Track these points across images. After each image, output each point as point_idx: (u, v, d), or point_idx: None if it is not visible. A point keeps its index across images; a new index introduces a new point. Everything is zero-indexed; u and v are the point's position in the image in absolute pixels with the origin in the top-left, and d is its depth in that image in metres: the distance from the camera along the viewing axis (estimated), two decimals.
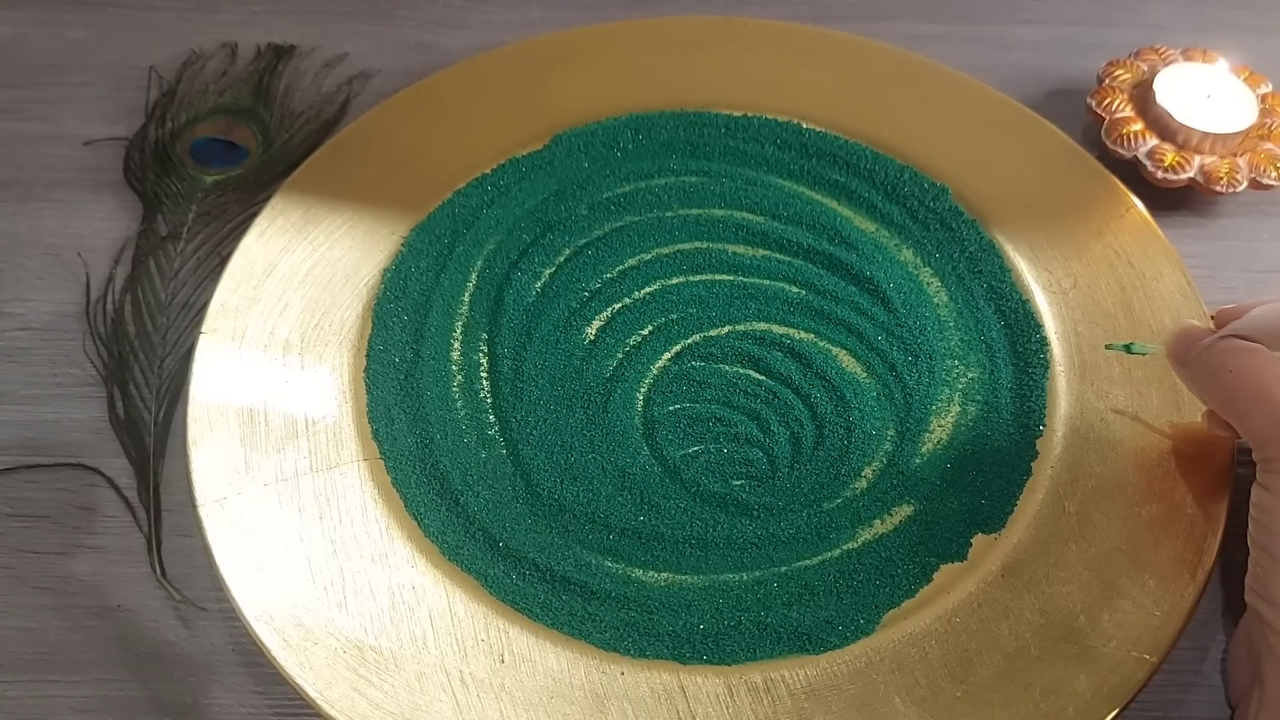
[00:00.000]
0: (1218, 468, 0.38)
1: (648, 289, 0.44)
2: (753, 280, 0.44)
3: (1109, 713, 0.33)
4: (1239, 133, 0.46)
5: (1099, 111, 0.48)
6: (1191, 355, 0.35)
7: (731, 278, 0.44)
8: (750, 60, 0.50)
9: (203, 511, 0.36)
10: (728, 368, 0.42)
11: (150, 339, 0.43)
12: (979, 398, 0.41)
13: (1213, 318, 0.37)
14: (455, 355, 0.42)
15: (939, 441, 0.40)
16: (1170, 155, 0.46)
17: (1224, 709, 0.35)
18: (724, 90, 0.49)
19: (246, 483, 0.37)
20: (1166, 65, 0.49)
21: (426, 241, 0.44)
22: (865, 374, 0.41)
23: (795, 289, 0.44)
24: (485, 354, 0.42)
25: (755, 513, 0.38)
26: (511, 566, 0.37)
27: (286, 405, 0.39)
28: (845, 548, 0.37)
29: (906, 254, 0.45)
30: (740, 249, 0.45)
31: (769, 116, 0.48)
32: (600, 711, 0.34)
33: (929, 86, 0.49)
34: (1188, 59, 0.50)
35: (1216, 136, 0.46)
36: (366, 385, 0.40)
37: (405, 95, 0.48)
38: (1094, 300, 0.42)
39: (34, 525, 0.38)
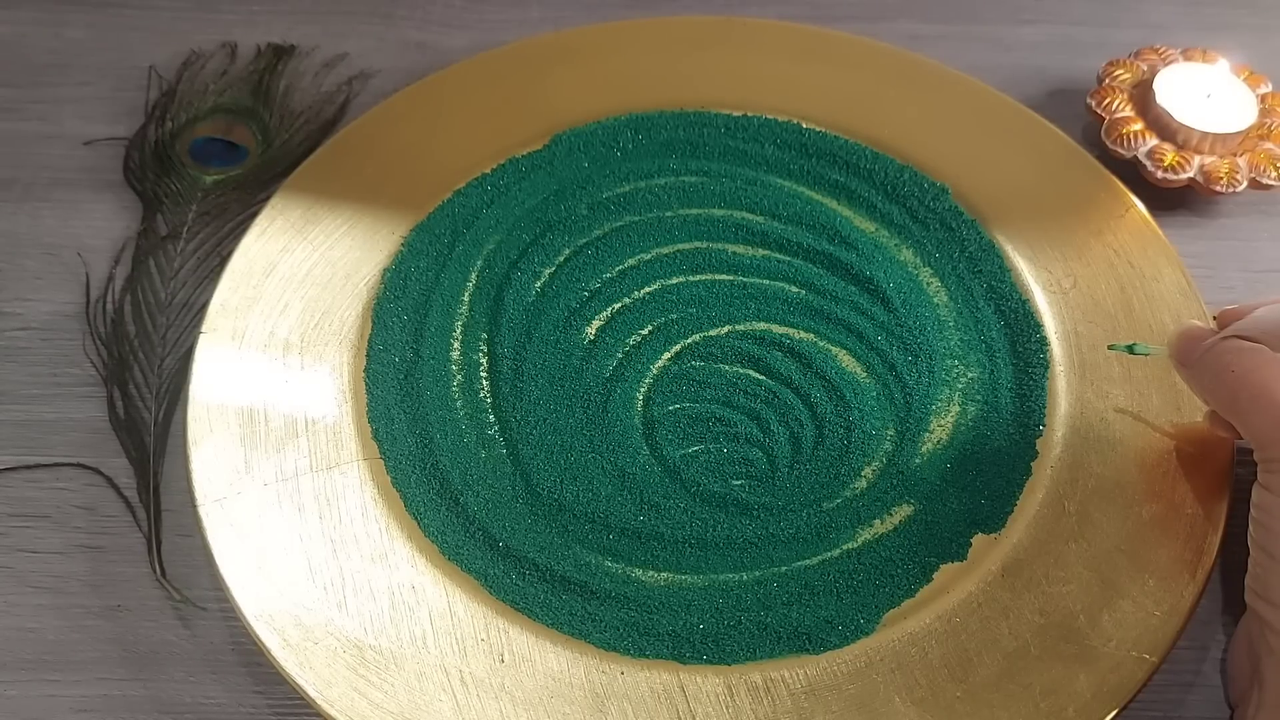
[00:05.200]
0: (1218, 468, 0.38)
1: (647, 289, 0.44)
2: (753, 280, 0.44)
3: (1109, 712, 0.33)
4: (1239, 133, 0.46)
5: (1099, 111, 0.48)
6: (1194, 356, 0.35)
7: (731, 278, 0.44)
8: (750, 60, 0.50)
9: (202, 511, 0.36)
10: (727, 367, 0.42)
11: (150, 339, 0.43)
12: (979, 398, 0.41)
13: (1215, 318, 0.37)
14: (455, 355, 0.42)
15: (939, 441, 0.40)
16: (1170, 155, 0.46)
17: (1224, 709, 0.35)
18: (724, 90, 0.49)
19: (246, 482, 0.37)
20: (1166, 65, 0.49)
21: (426, 241, 0.44)
22: (865, 374, 0.41)
23: (795, 289, 0.44)
24: (485, 354, 0.42)
25: (755, 512, 0.38)
26: (511, 566, 0.37)
27: (286, 405, 0.39)
28: (845, 547, 0.37)
29: (906, 254, 0.45)
30: (740, 249, 0.45)
31: (769, 116, 0.48)
32: (600, 711, 0.34)
33: (929, 86, 0.49)
34: (1188, 59, 0.50)
35: (1216, 136, 0.46)
36: (366, 385, 0.40)
37: (405, 95, 0.48)
38: (1094, 300, 0.42)
39: (34, 525, 0.38)
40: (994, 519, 0.38)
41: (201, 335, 0.40)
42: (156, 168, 0.48)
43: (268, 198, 0.44)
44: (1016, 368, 0.41)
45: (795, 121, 0.48)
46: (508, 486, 0.39)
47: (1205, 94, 0.48)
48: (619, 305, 0.43)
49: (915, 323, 0.42)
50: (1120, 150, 0.47)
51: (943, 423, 0.40)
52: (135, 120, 0.50)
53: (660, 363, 0.42)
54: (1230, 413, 0.34)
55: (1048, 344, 0.42)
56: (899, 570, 0.37)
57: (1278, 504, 0.32)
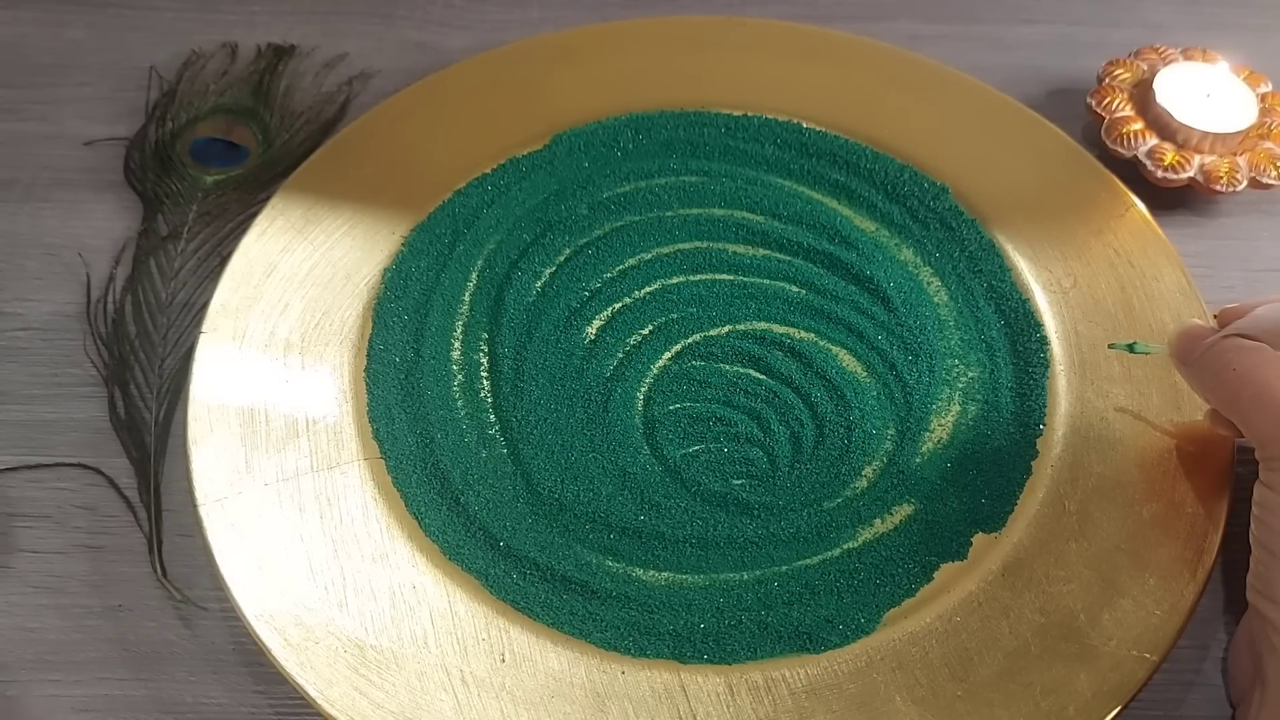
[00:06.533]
0: (1218, 467, 0.38)
1: (648, 288, 0.44)
2: (753, 280, 0.44)
3: (1109, 712, 0.33)
4: (1239, 132, 0.46)
5: (1099, 111, 0.48)
6: (1195, 355, 0.35)
7: (731, 277, 0.44)
8: (750, 60, 0.50)
9: (203, 511, 0.36)
10: (728, 367, 0.42)
11: (151, 339, 0.43)
12: (979, 397, 0.41)
13: (1215, 317, 0.37)
14: (455, 355, 0.42)
15: (939, 441, 0.40)
16: (1170, 155, 0.46)
17: (1225, 708, 0.35)
18: (724, 90, 0.49)
19: (247, 482, 0.37)
20: (1166, 65, 0.49)
21: (427, 241, 0.44)
22: (865, 373, 0.41)
23: (795, 288, 0.44)
24: (485, 353, 0.42)
25: (756, 512, 0.38)
26: (512, 566, 0.37)
27: (287, 405, 0.39)
28: (846, 547, 0.37)
29: (906, 253, 0.45)
30: (740, 248, 0.45)
31: (769, 116, 0.48)
32: (601, 711, 0.34)
33: (929, 86, 0.49)
34: (1188, 58, 0.50)
35: (1216, 136, 0.46)
36: (367, 385, 0.40)
37: (405, 95, 0.48)
38: (1094, 299, 0.42)
39: (34, 525, 0.38)
40: (994, 518, 0.38)
41: (202, 335, 0.40)
42: (157, 168, 0.48)
43: (268, 198, 0.44)
44: (1017, 367, 0.41)
45: (795, 121, 0.48)
46: (508, 486, 0.39)
47: (1205, 94, 0.48)
48: (619, 305, 0.43)
49: (915, 322, 0.42)
50: (1120, 150, 0.47)
51: (943, 422, 0.40)
52: (135, 120, 0.50)
53: (661, 362, 0.42)
54: (1231, 411, 0.34)
55: (1048, 343, 0.42)
56: (899, 569, 0.37)
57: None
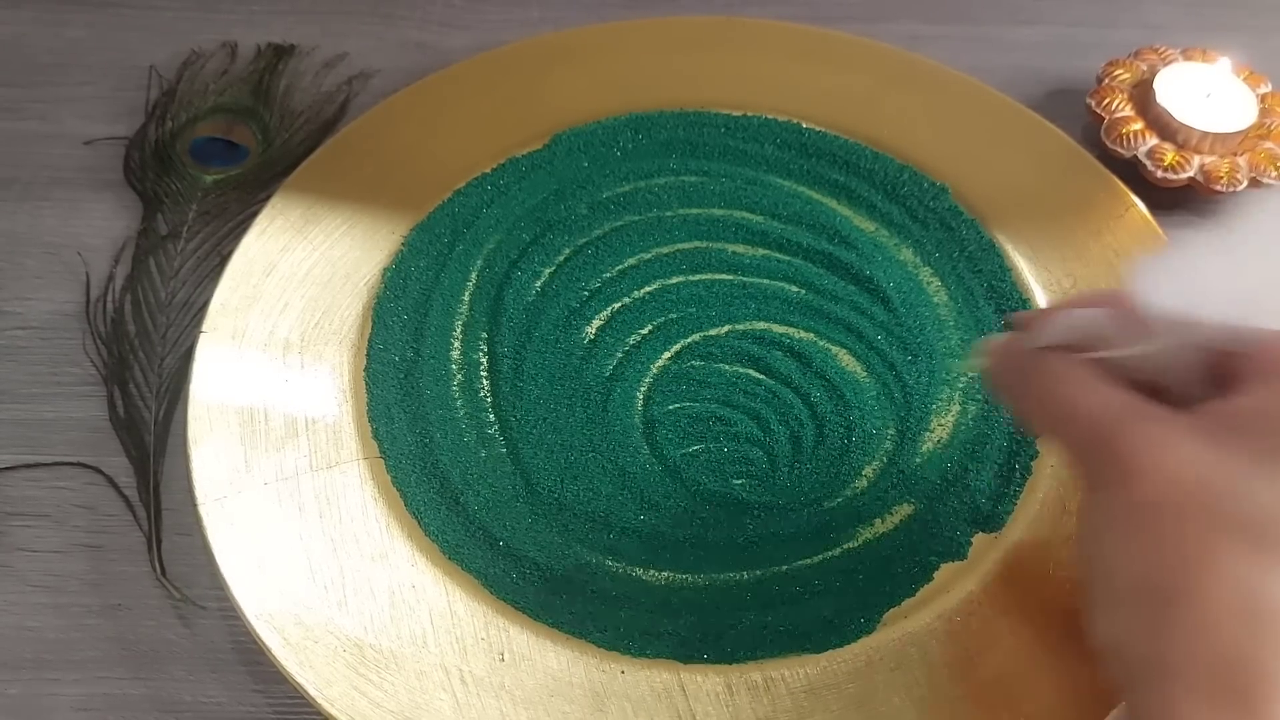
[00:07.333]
0: None
1: (647, 288, 0.44)
2: (752, 280, 0.44)
3: (1109, 712, 0.33)
4: (1239, 132, 0.47)
5: (1099, 111, 0.48)
6: (1013, 379, 0.31)
7: (731, 277, 0.44)
8: (750, 60, 0.50)
9: (203, 510, 0.36)
10: (727, 367, 0.42)
11: (150, 338, 0.43)
12: (979, 397, 0.41)
13: (1004, 325, 0.34)
14: (455, 354, 0.42)
15: (939, 441, 0.40)
16: (1170, 155, 0.46)
17: None
18: (723, 90, 0.49)
19: (246, 481, 0.37)
20: (1166, 65, 0.49)
21: (426, 241, 0.44)
22: (865, 373, 0.41)
23: (795, 288, 0.44)
24: (485, 353, 0.42)
25: (755, 512, 0.38)
26: (511, 565, 0.37)
27: (286, 404, 0.39)
28: (845, 547, 0.37)
29: (906, 253, 0.45)
30: (740, 248, 0.45)
31: (768, 116, 0.48)
32: (600, 710, 0.34)
33: (929, 86, 0.49)
34: (1187, 59, 0.50)
35: (1216, 136, 0.46)
36: (366, 384, 0.40)
37: (405, 95, 0.48)
38: None
39: (33, 524, 0.38)
40: (994, 518, 0.38)
41: (201, 334, 0.40)
42: (157, 167, 0.48)
43: (268, 197, 0.44)
44: None
45: (795, 121, 0.48)
46: (508, 486, 0.39)
47: (1205, 94, 0.48)
48: (619, 305, 0.43)
49: (915, 322, 0.42)
50: (1120, 150, 0.47)
51: (943, 422, 0.40)
52: (135, 120, 0.50)
53: (660, 362, 0.42)
54: (1046, 433, 0.32)
55: None
56: (899, 569, 0.37)
57: (1085, 527, 0.29)
